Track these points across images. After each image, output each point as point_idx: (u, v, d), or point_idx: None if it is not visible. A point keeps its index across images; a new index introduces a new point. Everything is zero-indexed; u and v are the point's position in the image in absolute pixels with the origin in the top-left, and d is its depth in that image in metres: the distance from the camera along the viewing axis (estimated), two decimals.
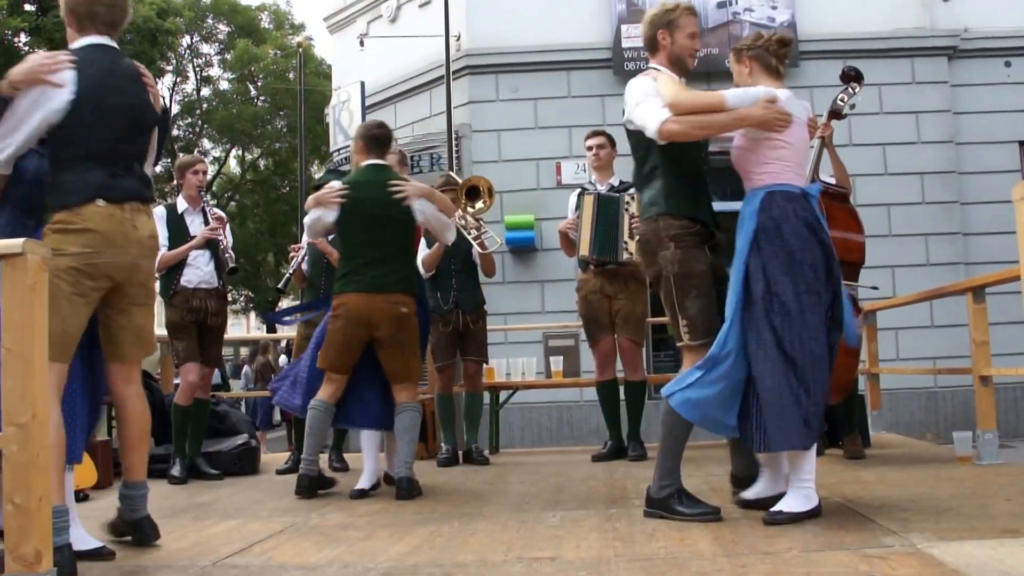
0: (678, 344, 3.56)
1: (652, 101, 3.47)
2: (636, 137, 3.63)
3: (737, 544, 2.96)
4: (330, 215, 4.51)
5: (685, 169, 3.57)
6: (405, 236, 4.60)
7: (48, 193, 3.15)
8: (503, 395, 7.07)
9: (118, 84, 3.19)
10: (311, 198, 4.63)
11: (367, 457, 4.64)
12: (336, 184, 4.58)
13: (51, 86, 3.05)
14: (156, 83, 3.37)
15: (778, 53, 3.59)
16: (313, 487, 4.49)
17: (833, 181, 5.09)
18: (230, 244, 5.57)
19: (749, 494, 3.56)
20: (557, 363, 7.01)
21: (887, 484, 4.12)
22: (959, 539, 2.82)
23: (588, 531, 3.31)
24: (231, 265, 5.49)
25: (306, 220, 4.66)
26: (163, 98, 3.26)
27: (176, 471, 5.25)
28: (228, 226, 5.65)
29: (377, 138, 4.62)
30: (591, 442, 8.24)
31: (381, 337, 4.45)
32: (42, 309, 2.41)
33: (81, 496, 4.73)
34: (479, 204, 5.74)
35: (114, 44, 3.24)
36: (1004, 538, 2.78)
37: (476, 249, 5.73)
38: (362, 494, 4.47)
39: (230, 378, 15.62)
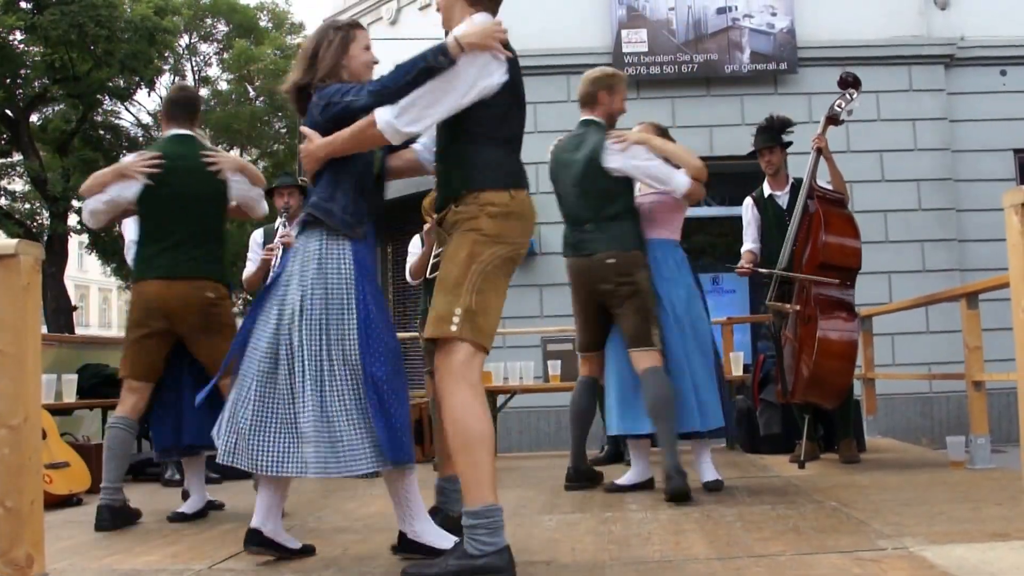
0: (642, 348, 4.24)
1: (664, 165, 4.32)
2: (612, 180, 4.37)
3: (732, 547, 2.97)
4: (131, 189, 3.93)
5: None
6: (216, 215, 4.15)
7: (458, 169, 2.86)
8: (500, 399, 7.07)
9: None
10: (102, 173, 3.99)
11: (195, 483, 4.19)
12: (148, 154, 4.05)
13: (495, 57, 2.76)
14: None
15: None
16: (116, 519, 3.85)
17: (830, 187, 5.10)
18: None
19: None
20: (555, 367, 7.01)
21: (881, 488, 4.14)
22: (951, 542, 2.84)
23: (584, 534, 3.32)
24: None
25: (92, 204, 3.98)
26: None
27: (170, 473, 5.23)
28: None
29: (183, 103, 4.14)
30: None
31: (187, 330, 3.95)
32: (35, 310, 2.40)
33: (75, 500, 4.73)
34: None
35: None
36: (995, 541, 2.80)
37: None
38: (182, 517, 4.06)
39: None
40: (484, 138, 2.83)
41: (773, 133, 5.41)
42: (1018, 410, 2.42)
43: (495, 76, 2.77)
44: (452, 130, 2.86)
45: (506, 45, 2.82)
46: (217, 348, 3.83)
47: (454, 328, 2.74)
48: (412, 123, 2.75)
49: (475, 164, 2.83)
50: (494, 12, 2.94)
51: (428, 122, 2.79)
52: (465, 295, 2.77)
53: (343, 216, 2.94)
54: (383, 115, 2.75)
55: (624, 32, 11.14)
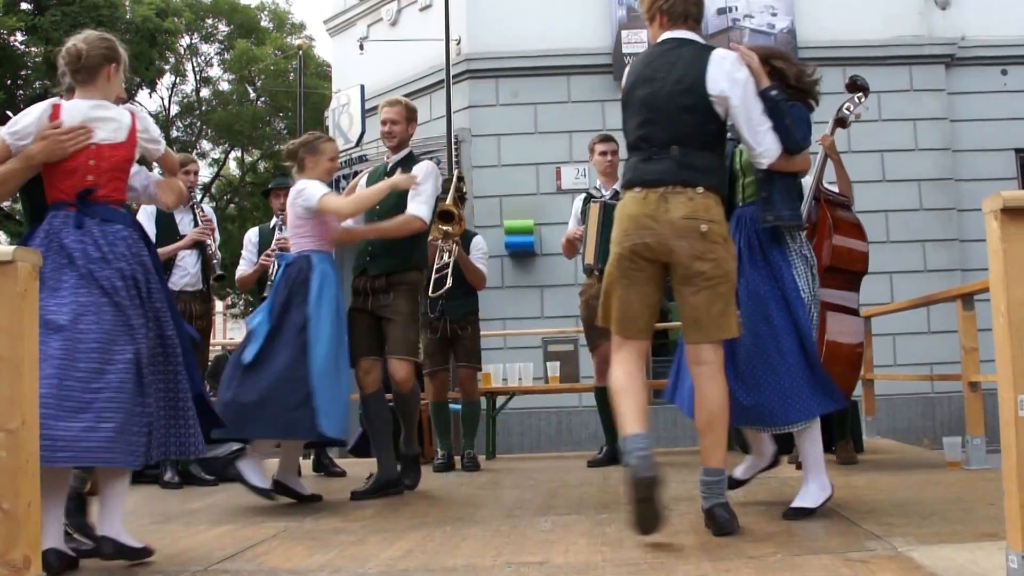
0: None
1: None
2: None
3: (723, 548, 2.99)
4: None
5: None
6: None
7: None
8: (500, 400, 7.10)
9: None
10: None
11: None
12: None
13: None
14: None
15: None
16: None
17: (835, 189, 5.10)
18: (217, 247, 5.55)
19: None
20: (555, 368, 7.03)
21: (876, 489, 4.16)
22: (940, 543, 2.87)
23: (578, 536, 3.34)
24: (218, 272, 5.48)
25: None
26: None
27: (168, 476, 5.25)
28: (216, 231, 5.64)
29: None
30: (589, 447, 8.25)
31: None
32: (32, 315, 2.44)
33: None
34: (447, 227, 5.22)
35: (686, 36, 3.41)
36: (983, 542, 2.83)
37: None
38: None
39: None
40: None
41: None
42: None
43: None
44: None
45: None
46: None
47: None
48: None
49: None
50: None
51: None
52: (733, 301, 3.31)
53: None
54: None
55: (624, 33, 11.17)
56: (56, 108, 3.15)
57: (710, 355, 3.25)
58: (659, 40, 3.46)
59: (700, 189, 3.22)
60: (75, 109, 3.17)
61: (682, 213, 3.18)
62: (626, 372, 3.31)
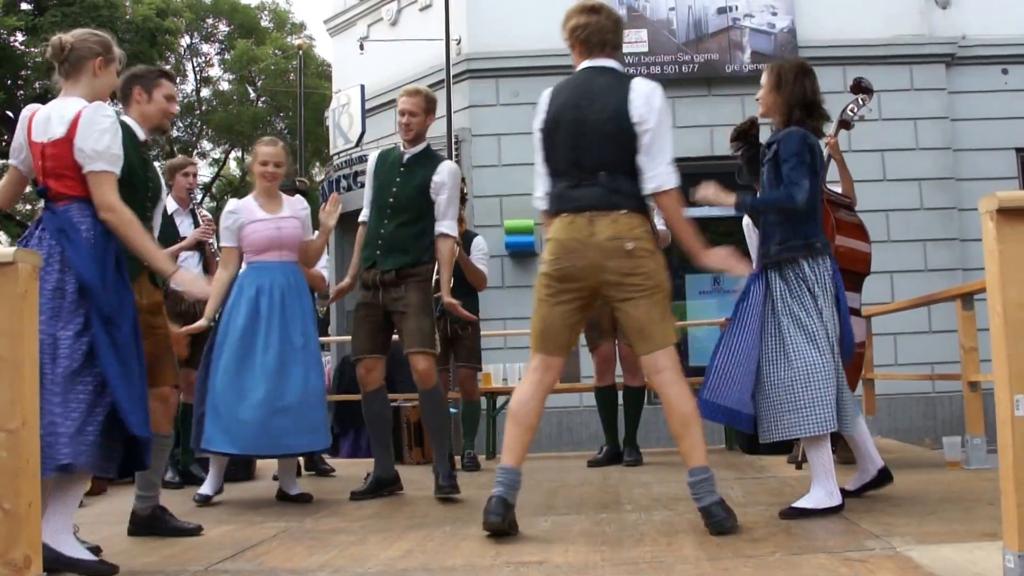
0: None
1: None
2: None
3: (722, 548, 2.99)
4: None
5: None
6: None
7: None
8: (500, 400, 7.09)
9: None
10: None
11: None
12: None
13: None
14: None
15: None
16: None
17: (839, 190, 5.10)
18: (218, 247, 5.56)
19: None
20: None
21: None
22: (939, 542, 2.87)
23: (577, 536, 3.35)
24: None
25: None
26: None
27: (169, 475, 5.26)
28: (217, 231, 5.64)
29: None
30: (589, 447, 8.25)
31: None
32: (33, 316, 2.45)
33: None
34: None
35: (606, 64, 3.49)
36: (982, 541, 2.83)
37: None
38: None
39: None
40: None
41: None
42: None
43: None
44: None
45: None
46: None
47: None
48: None
49: None
50: None
51: None
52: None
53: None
54: None
55: (624, 32, 11.16)
56: (32, 116, 3.18)
57: (666, 361, 3.34)
58: (579, 68, 3.53)
59: (623, 211, 3.32)
60: (42, 114, 3.15)
61: (607, 234, 3.29)
62: (524, 397, 3.44)
